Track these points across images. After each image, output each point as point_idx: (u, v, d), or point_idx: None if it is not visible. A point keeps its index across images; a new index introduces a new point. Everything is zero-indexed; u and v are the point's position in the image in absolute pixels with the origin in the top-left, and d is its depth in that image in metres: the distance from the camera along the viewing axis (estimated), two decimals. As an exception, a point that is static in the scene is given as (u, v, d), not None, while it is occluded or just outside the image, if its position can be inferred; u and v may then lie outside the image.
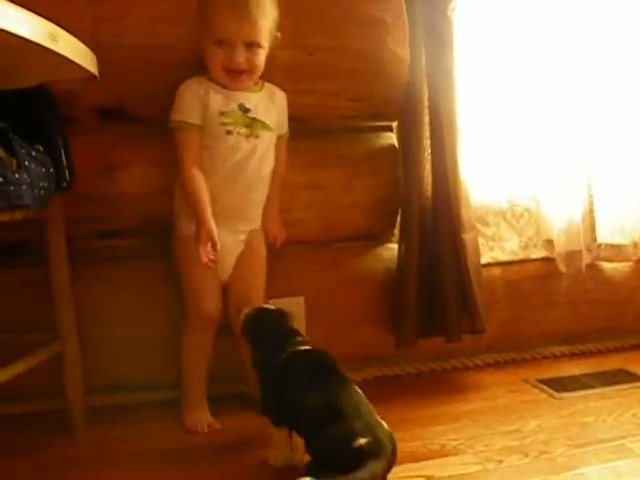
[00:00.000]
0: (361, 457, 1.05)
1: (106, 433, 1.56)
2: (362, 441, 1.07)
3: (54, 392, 1.58)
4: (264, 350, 1.37)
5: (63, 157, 1.43)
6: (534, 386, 1.80)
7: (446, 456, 1.38)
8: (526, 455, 1.37)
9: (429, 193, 1.82)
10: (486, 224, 2.04)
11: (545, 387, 1.79)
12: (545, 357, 2.05)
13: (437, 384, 1.84)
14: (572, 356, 2.06)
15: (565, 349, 2.08)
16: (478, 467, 1.32)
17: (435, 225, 1.81)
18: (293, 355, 1.32)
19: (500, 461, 1.35)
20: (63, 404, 1.56)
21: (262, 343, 1.39)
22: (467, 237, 1.81)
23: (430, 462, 1.35)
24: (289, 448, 1.29)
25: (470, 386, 1.83)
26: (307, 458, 1.14)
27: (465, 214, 1.81)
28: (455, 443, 1.44)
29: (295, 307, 1.77)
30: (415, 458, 1.36)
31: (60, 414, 1.56)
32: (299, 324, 1.79)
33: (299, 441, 1.20)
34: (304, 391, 1.22)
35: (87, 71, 1.26)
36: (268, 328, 1.41)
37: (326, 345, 1.80)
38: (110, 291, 1.70)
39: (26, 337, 1.51)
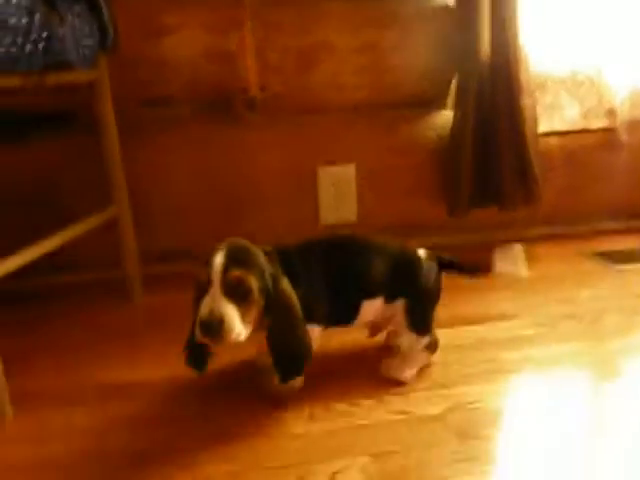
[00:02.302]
0: None
1: (162, 300, 1.58)
2: None
3: (110, 262, 1.62)
4: None
5: (105, 15, 1.36)
6: (589, 258, 1.76)
7: (499, 320, 1.37)
8: (580, 321, 1.35)
9: (487, 56, 1.71)
10: (545, 92, 1.93)
11: (600, 259, 1.75)
12: (601, 231, 1.98)
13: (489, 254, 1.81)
14: (629, 231, 1.98)
15: (622, 223, 2.01)
16: (532, 330, 1.32)
17: (493, 90, 1.71)
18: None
19: (554, 326, 1.34)
20: (119, 273, 1.59)
21: None
22: (526, 103, 1.72)
23: (483, 325, 1.35)
24: None
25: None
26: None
27: (524, 78, 1.71)
28: (509, 309, 1.43)
29: (346, 174, 1.74)
30: (468, 321, 1.37)
31: (116, 283, 1.60)
32: (350, 191, 1.77)
33: None
34: None
35: None
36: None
37: (377, 213, 1.81)
38: (161, 159, 1.69)
39: (79, 205, 1.52)
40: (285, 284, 1.00)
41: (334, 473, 0.88)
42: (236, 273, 0.93)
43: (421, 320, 1.14)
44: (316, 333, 1.07)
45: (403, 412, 1.02)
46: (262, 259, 0.99)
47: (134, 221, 1.57)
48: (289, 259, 1.05)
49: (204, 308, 0.92)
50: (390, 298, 1.13)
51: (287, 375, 1.02)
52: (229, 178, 1.73)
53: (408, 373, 1.13)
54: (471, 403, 1.04)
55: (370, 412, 1.03)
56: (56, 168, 1.67)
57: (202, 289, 0.95)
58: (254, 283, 0.95)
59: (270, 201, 1.77)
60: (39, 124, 1.62)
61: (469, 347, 1.25)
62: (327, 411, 1.04)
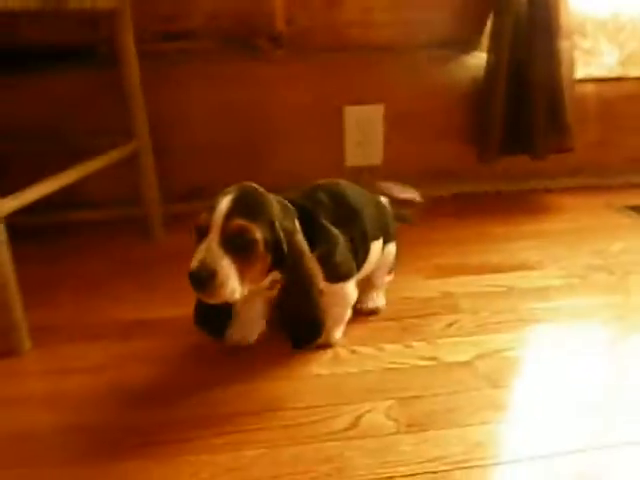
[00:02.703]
0: None
1: (182, 240, 1.54)
2: None
3: (131, 199, 1.59)
4: None
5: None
6: (619, 211, 1.71)
7: (529, 269, 1.33)
8: (610, 274, 1.31)
9: (525, -6, 1.63)
10: (584, 36, 1.84)
11: (631, 213, 1.69)
12: (633, 185, 1.92)
13: (517, 204, 1.77)
14: (661, 186, 1.93)
15: (656, 178, 1.95)
16: (561, 281, 1.28)
17: (529, 31, 1.63)
18: None
19: (584, 277, 1.30)
20: (140, 211, 1.57)
21: None
22: (563, 45, 1.64)
23: (512, 274, 1.31)
24: None
25: (552, 208, 1.75)
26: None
27: (564, 19, 1.63)
28: (537, 259, 1.39)
29: (373, 115, 1.68)
30: (496, 269, 1.33)
31: (137, 221, 1.58)
32: (377, 133, 1.72)
33: None
34: None
35: None
36: None
37: (404, 157, 1.75)
38: (182, 94, 1.65)
39: (101, 140, 1.48)
40: (300, 240, 0.90)
41: (358, 416, 0.86)
42: (239, 222, 0.83)
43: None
44: (353, 288, 1.04)
45: (431, 358, 1.00)
46: (275, 209, 0.89)
47: (155, 158, 1.53)
48: (306, 211, 0.96)
49: (195, 258, 0.83)
50: (385, 242, 1.12)
51: (301, 341, 0.93)
52: (252, 115, 1.69)
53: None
54: (499, 351, 1.01)
55: (396, 357, 1.01)
56: (76, 102, 1.63)
57: (201, 235, 0.86)
58: (259, 234, 0.84)
59: (294, 140, 1.72)
60: (60, 57, 1.58)
61: (498, 296, 1.21)
62: (352, 354, 1.02)
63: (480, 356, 1.00)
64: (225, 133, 1.69)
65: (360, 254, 1.04)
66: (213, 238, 0.83)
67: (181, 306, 1.17)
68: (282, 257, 0.87)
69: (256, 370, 0.99)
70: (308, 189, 1.04)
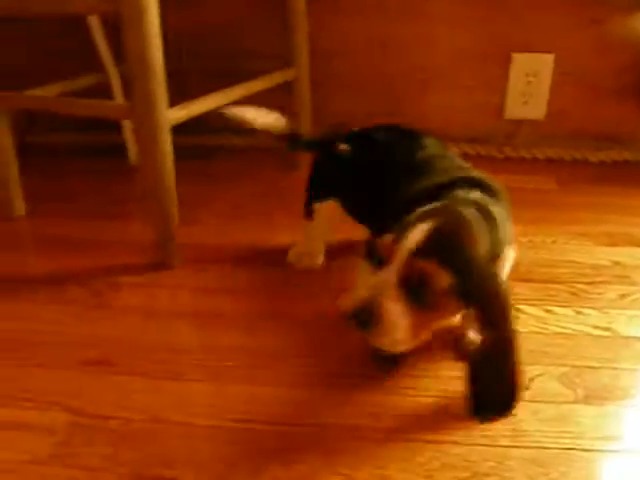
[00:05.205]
0: None
1: None
2: None
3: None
4: None
5: None
6: None
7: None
8: None
9: None
10: None
11: None
12: None
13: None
14: None
15: None
16: None
17: None
18: None
19: None
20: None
21: None
22: None
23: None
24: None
25: None
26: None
27: None
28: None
29: (542, 64, 1.55)
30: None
31: (285, 152, 1.53)
32: (543, 85, 1.58)
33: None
34: None
35: None
36: None
37: (569, 114, 1.61)
38: (344, 24, 1.59)
39: (261, 63, 1.45)
40: (505, 289, 0.69)
41: (530, 378, 0.79)
42: (423, 264, 0.67)
43: None
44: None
45: (605, 328, 0.91)
46: (481, 247, 0.70)
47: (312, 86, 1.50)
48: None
49: (362, 290, 0.69)
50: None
51: (486, 415, 0.71)
52: (410, 51, 1.60)
53: None
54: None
55: (567, 322, 0.92)
56: (239, 21, 1.61)
57: (374, 259, 0.72)
58: (445, 281, 0.67)
59: (451, 83, 1.63)
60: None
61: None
62: (517, 312, 0.94)
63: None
64: (378, 69, 1.63)
65: None
66: (390, 274, 0.68)
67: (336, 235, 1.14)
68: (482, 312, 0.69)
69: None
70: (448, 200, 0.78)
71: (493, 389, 0.69)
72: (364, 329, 0.68)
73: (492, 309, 0.68)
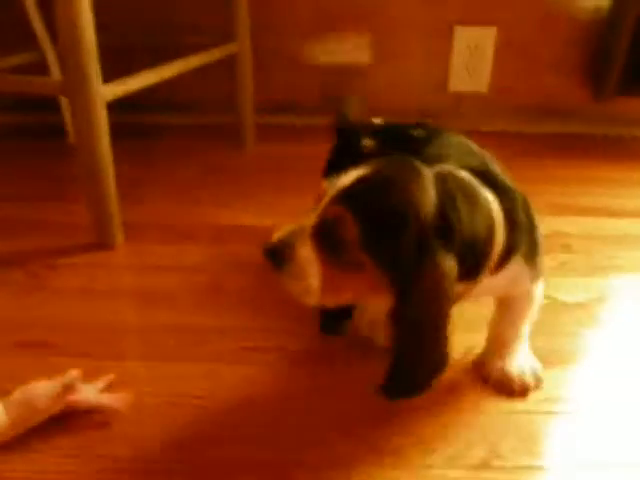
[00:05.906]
0: None
1: (273, 150, 1.53)
2: None
3: (226, 107, 1.54)
4: None
5: None
6: None
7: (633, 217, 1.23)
8: None
9: None
10: None
11: None
12: None
13: (626, 151, 1.63)
14: None
15: None
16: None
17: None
18: None
19: None
20: (234, 118, 1.53)
21: None
22: None
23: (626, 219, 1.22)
24: None
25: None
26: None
27: None
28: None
29: (484, 37, 1.56)
30: (610, 213, 1.24)
31: (229, 129, 1.55)
32: (486, 58, 1.59)
33: None
34: None
35: None
36: None
37: (512, 87, 1.63)
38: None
39: (205, 38, 1.42)
40: (442, 259, 0.58)
41: (472, 346, 0.81)
42: (338, 208, 0.60)
43: None
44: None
45: (546, 296, 0.89)
46: (425, 198, 0.59)
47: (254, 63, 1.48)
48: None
49: (281, 231, 0.63)
50: None
51: (396, 393, 0.65)
52: (356, 26, 1.59)
53: None
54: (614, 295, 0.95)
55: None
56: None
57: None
58: (351, 232, 0.58)
59: (396, 56, 1.62)
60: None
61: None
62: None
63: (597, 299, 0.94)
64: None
65: None
66: (310, 219, 0.62)
67: (272, 216, 1.12)
68: (406, 280, 0.59)
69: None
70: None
71: (409, 374, 0.64)
72: (275, 270, 0.62)
73: (411, 284, 0.59)
